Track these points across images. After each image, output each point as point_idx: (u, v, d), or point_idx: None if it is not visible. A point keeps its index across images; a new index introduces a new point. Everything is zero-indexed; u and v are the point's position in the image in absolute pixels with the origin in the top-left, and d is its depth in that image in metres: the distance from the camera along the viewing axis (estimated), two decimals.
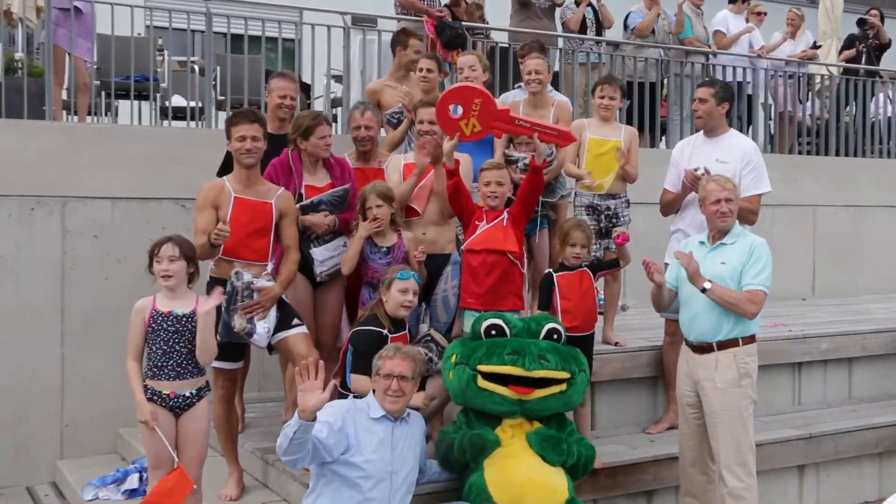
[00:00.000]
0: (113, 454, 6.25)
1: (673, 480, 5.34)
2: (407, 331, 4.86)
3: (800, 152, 10.46)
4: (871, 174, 10.15)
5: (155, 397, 4.39)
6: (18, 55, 7.98)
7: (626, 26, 9.44)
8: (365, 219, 5.03)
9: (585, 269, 5.22)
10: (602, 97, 6.02)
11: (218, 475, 5.01)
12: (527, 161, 5.74)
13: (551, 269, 5.29)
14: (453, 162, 5.07)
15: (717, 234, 4.94)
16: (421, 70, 6.10)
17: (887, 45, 11.51)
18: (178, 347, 4.40)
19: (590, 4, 9.10)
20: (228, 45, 7.72)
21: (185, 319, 4.41)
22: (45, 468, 6.26)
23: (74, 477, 5.77)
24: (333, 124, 6.14)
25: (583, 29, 9.09)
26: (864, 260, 9.94)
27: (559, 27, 9.16)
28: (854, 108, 10.66)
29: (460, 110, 5.03)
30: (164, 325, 4.40)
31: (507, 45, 8.56)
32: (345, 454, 4.20)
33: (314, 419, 3.95)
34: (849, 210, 9.89)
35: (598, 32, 9.23)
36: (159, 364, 4.40)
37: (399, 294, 4.73)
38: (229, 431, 5.08)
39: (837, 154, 10.40)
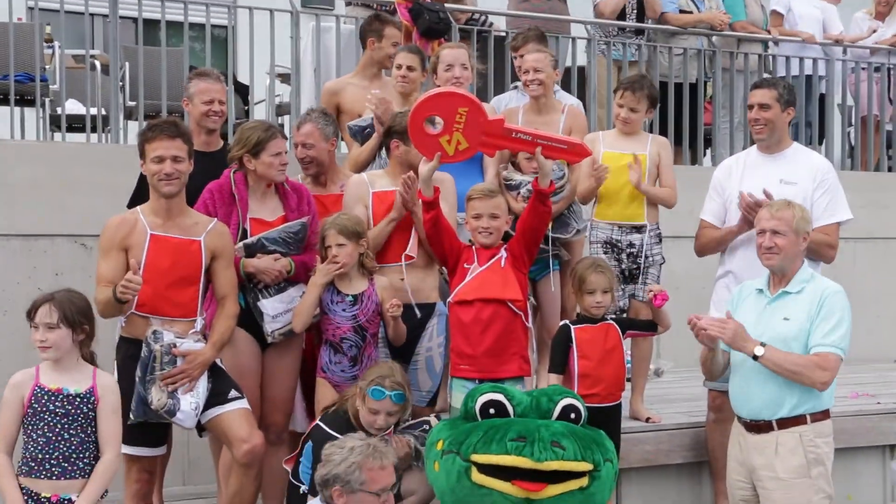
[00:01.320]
0: None
1: None
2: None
3: (890, 169, 10.59)
4: None
5: (31, 501, 4.43)
6: None
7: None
8: (324, 260, 5.18)
9: (611, 321, 5.38)
10: (622, 106, 6.15)
11: None
12: (530, 186, 5.87)
13: (568, 322, 5.43)
14: (431, 191, 5.15)
15: (779, 277, 5.07)
16: (399, 67, 6.20)
17: None
18: (65, 436, 4.45)
19: None
20: (140, 33, 7.79)
21: (77, 400, 4.47)
22: None
23: None
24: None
25: (621, 16, 9.20)
26: None
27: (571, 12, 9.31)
28: None
29: (440, 124, 5.09)
30: (50, 407, 4.44)
31: (504, 34, 8.74)
32: None
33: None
34: None
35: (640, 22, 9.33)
36: (38, 457, 4.44)
37: (369, 414, 4.89)
38: None
39: None
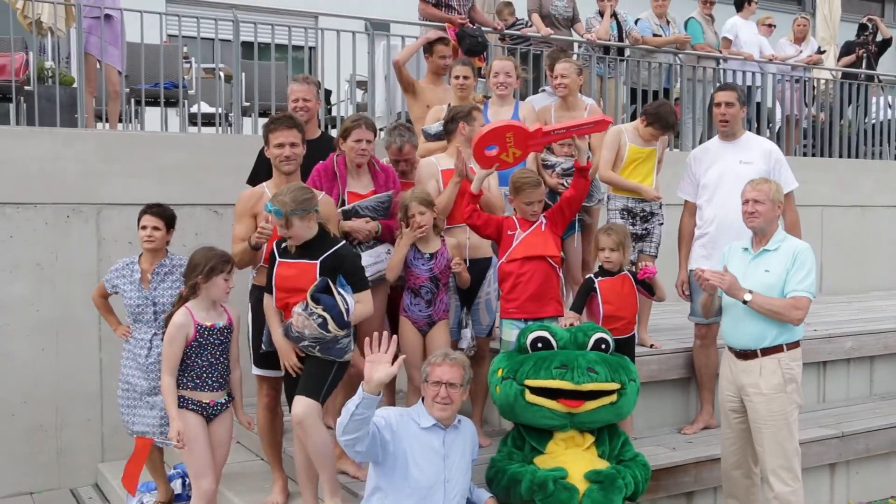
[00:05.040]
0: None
1: (713, 482, 5.08)
2: (315, 260, 4.21)
3: (804, 154, 10.18)
4: (872, 175, 9.92)
5: (195, 407, 4.27)
6: (48, 64, 7.66)
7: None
8: (408, 226, 4.72)
9: (627, 273, 4.92)
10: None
11: (261, 483, 4.77)
12: (564, 166, 5.49)
13: (592, 275, 4.99)
14: (479, 188, 4.72)
15: (760, 238, 4.65)
16: (457, 78, 5.72)
17: (888, 44, 11.26)
18: (221, 359, 4.33)
19: (615, 18, 8.69)
20: (256, 52, 7.37)
21: (226, 332, 4.36)
22: (87, 471, 6.02)
23: (119, 482, 5.46)
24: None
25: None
26: (870, 258, 9.72)
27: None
28: (854, 112, 10.43)
29: (496, 148, 4.70)
30: (210, 339, 4.28)
31: (526, 50, 8.25)
32: (398, 465, 3.93)
33: (379, 393, 3.71)
34: (854, 210, 9.65)
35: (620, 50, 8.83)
36: (203, 376, 4.29)
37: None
38: (273, 439, 4.80)
39: (840, 156, 10.16)
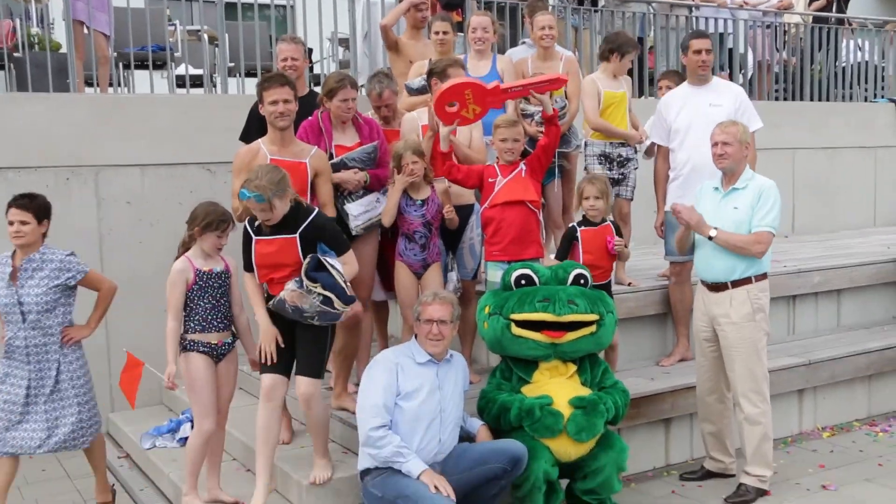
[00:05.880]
0: (159, 405, 6.27)
1: (689, 408, 5.40)
2: (294, 234, 4.28)
3: (776, 99, 10.41)
4: (842, 117, 10.17)
5: (205, 349, 4.47)
6: (34, 30, 7.78)
7: None
8: (400, 173, 4.94)
9: (609, 223, 5.15)
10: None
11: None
12: (540, 116, 5.70)
13: (575, 224, 5.21)
14: (448, 146, 4.92)
15: (729, 177, 4.89)
16: (437, 33, 5.90)
17: None
18: (223, 301, 4.51)
19: None
20: (240, 12, 7.51)
21: (224, 276, 4.53)
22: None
23: (130, 428, 5.78)
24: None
25: None
26: (839, 198, 10.02)
27: None
28: (825, 55, 10.64)
29: (457, 105, 4.85)
30: (211, 283, 4.46)
31: (503, 3, 8.41)
32: (399, 402, 4.22)
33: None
34: (824, 152, 9.93)
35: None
36: (208, 318, 4.47)
37: (244, 213, 4.52)
38: None
39: (811, 100, 10.41)
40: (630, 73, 7.45)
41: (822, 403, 6.24)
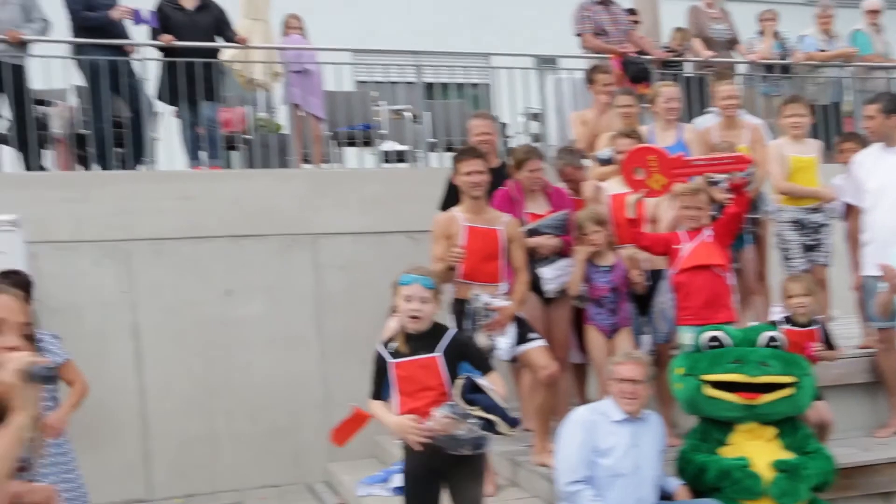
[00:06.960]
0: (371, 458, 6.65)
1: None
2: (436, 353, 3.79)
3: None
4: None
5: None
6: (261, 115, 8.74)
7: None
8: (583, 243, 5.16)
9: (817, 328, 5.09)
10: (789, 116, 5.90)
11: None
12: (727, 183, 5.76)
13: (777, 321, 5.17)
14: (634, 213, 5.07)
15: None
16: (620, 107, 6.17)
17: None
18: None
19: (776, 37, 8.84)
20: (438, 93, 8.12)
21: None
22: (318, 470, 6.78)
23: (347, 477, 6.17)
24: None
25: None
26: None
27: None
28: None
29: (643, 172, 5.01)
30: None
31: (691, 75, 8.55)
32: (595, 456, 4.36)
33: None
34: None
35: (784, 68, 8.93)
36: None
37: (403, 302, 3.82)
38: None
39: None
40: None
41: None
